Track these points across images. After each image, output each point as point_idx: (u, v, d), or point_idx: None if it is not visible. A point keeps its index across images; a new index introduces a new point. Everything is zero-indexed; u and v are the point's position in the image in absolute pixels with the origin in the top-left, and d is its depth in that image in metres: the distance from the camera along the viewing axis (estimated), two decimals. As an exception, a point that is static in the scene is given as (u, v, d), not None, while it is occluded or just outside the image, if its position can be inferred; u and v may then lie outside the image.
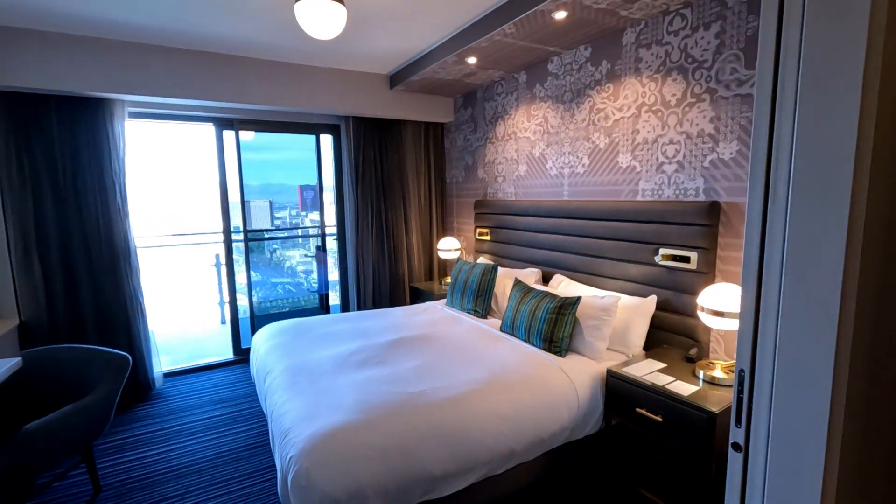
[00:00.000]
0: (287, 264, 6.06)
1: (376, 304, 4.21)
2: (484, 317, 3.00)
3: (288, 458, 1.54)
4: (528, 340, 2.45)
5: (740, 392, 1.04)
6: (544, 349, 2.34)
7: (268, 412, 1.97)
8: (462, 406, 1.80)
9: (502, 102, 3.57)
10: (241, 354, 3.98)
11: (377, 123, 4.05)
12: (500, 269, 3.19)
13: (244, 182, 3.83)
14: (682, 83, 2.27)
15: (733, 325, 1.87)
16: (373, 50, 3.20)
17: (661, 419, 1.86)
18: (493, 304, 3.09)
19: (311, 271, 5.52)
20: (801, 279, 0.89)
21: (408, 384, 1.93)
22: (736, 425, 1.05)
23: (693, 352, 2.16)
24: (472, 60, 3.06)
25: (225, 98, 3.26)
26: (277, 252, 6.07)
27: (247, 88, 3.33)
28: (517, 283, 2.73)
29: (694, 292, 2.21)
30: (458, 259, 3.49)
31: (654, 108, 2.42)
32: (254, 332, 4.00)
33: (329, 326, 2.79)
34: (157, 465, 2.43)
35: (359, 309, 4.16)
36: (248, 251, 3.91)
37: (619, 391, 2.05)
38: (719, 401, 1.77)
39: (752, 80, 1.98)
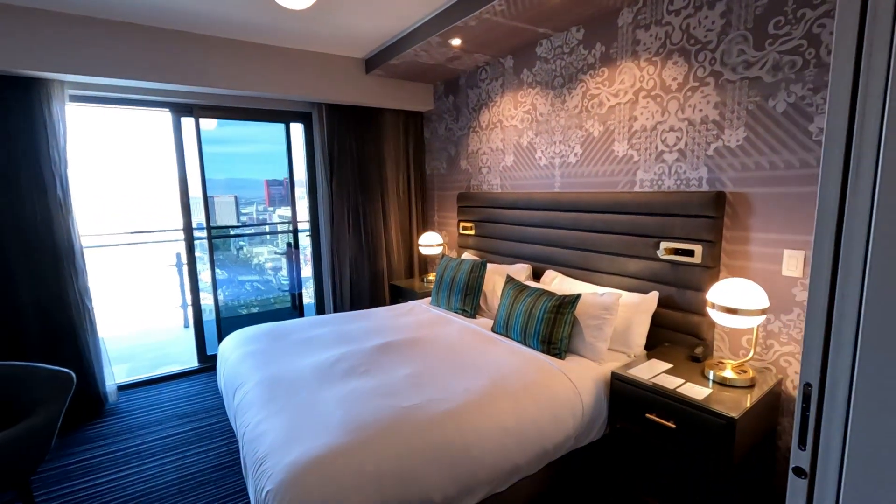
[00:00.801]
0: (255, 261, 5.72)
1: (354, 304, 3.97)
2: (473, 316, 2.83)
3: (264, 492, 1.32)
4: (524, 342, 2.29)
5: (805, 409, 0.90)
6: (542, 351, 2.19)
7: (239, 434, 1.73)
8: (462, 420, 1.62)
9: (487, 89, 3.38)
10: (207, 361, 3.67)
11: (352, 112, 3.80)
12: (488, 265, 3.02)
13: (208, 176, 3.50)
14: (684, 66, 2.14)
15: (747, 322, 1.76)
16: (348, 30, 2.95)
17: (673, 425, 1.73)
18: (482, 303, 2.91)
19: (281, 268, 5.21)
20: (892, 281, 0.75)
21: (400, 396, 1.73)
22: (799, 447, 0.91)
23: (699, 351, 2.05)
24: (456, 42, 2.85)
25: (183, 80, 2.94)
26: (245, 249, 5.72)
27: (208, 70, 3.01)
28: (510, 280, 2.56)
29: (699, 288, 2.10)
30: (442, 255, 3.30)
31: (652, 94, 2.29)
32: (220, 336, 3.70)
33: (307, 331, 2.55)
34: (111, 494, 2.15)
35: (335, 309, 3.91)
36: (212, 249, 3.59)
37: (625, 395, 1.92)
38: (735, 404, 1.65)
39: (761, 61, 1.87)
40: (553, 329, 2.16)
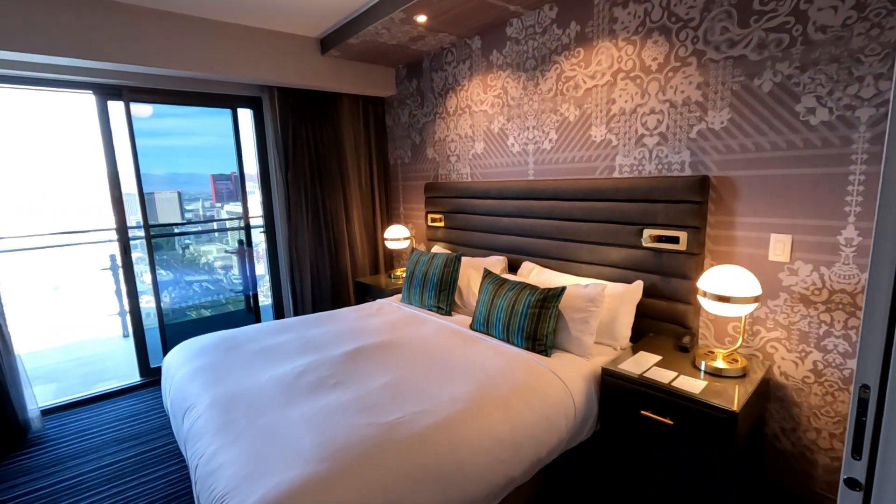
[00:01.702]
0: (203, 260, 5.28)
1: (317, 305, 3.70)
2: (449, 313, 2.66)
3: (227, 542, 1.10)
4: (507, 339, 2.15)
5: (861, 415, 0.80)
6: (527, 349, 2.06)
7: (191, 466, 1.48)
8: (452, 433, 1.45)
9: (453, 72, 3.20)
10: (151, 375, 3.30)
11: (307, 97, 3.50)
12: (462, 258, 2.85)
13: (147, 171, 3.12)
14: (665, 45, 2.05)
15: (739, 311, 1.70)
16: (300, 5, 2.66)
17: (671, 422, 1.65)
18: (457, 299, 2.75)
19: (232, 267, 4.83)
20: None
21: (380, 411, 1.54)
22: (853, 457, 0.81)
23: (686, 340, 1.99)
24: (421, 19, 2.64)
25: (109, 57, 2.55)
26: (192, 248, 5.27)
27: (140, 46, 2.63)
28: (488, 274, 2.41)
29: (684, 275, 2.03)
30: (412, 249, 3.10)
31: (631, 75, 2.19)
32: (164, 345, 3.33)
33: (266, 338, 2.29)
34: (36, 542, 1.83)
35: (296, 311, 3.63)
36: (151, 250, 3.21)
37: (617, 391, 1.82)
38: (732, 396, 1.59)
39: (746, 40, 1.80)
40: (538, 325, 2.04)
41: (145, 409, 2.89)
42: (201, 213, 5.89)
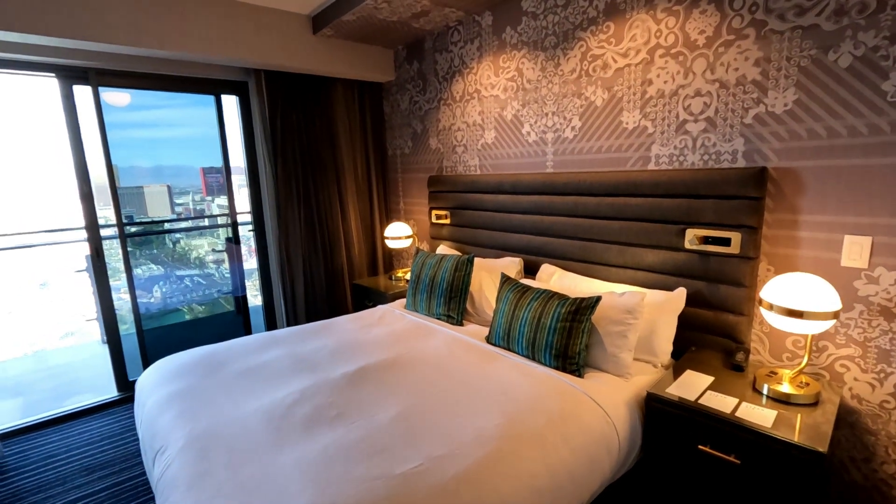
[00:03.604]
0: (194, 255, 4.97)
1: (310, 309, 3.40)
2: (460, 323, 2.38)
3: None
4: (532, 357, 1.88)
5: None
6: (557, 368, 1.79)
7: (160, 529, 1.19)
8: (482, 485, 1.18)
9: (460, 53, 2.89)
10: (129, 389, 3.00)
11: (298, 81, 3.17)
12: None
13: (132, 163, 2.83)
14: (715, 15, 1.77)
15: (814, 328, 1.44)
16: (290, -29, 2.34)
17: (737, 461, 1.39)
18: (468, 307, 2.47)
19: (223, 261, 4.53)
20: None
21: (392, 457, 1.26)
22: None
23: (740, 357, 1.73)
24: (427, -9, 2.34)
25: (72, 34, 2.21)
26: (182, 243, 4.95)
27: (107, 21, 2.29)
28: (507, 280, 2.13)
29: (737, 282, 1.77)
30: (417, 250, 2.82)
31: (672, 52, 1.91)
32: (144, 354, 3.02)
33: (254, 355, 1.99)
34: None
35: (288, 315, 3.33)
36: (126, 250, 2.89)
37: (666, 421, 1.56)
38: (812, 431, 1.33)
39: (820, 6, 1.52)
40: (569, 341, 1.76)
41: (121, 431, 2.59)
42: (191, 206, 5.56)
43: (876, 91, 1.45)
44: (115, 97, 2.99)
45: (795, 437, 1.30)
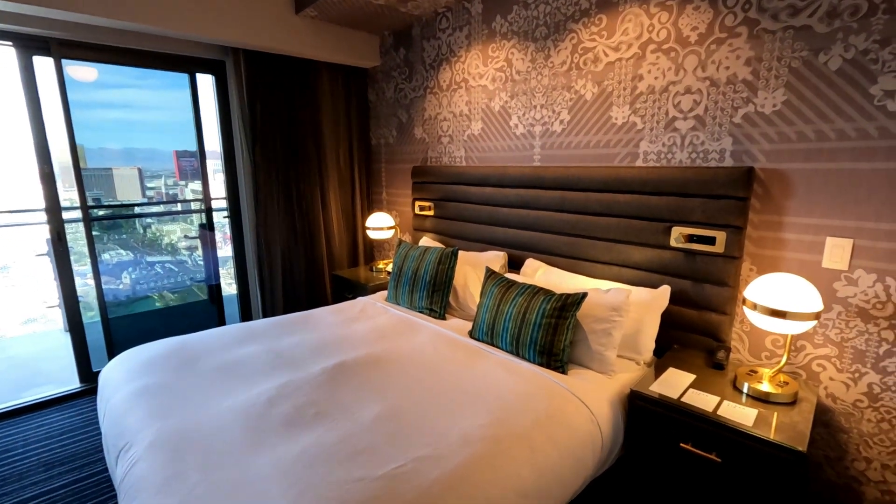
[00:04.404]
0: (166, 241, 4.77)
1: (288, 300, 3.31)
2: (442, 317, 2.34)
3: None
4: (516, 353, 1.86)
5: None
6: (541, 364, 1.77)
7: (124, 535, 1.12)
8: (467, 487, 1.15)
9: (448, 41, 2.82)
10: (93, 380, 2.86)
11: (280, 63, 3.04)
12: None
13: (101, 144, 2.69)
14: (709, 12, 1.75)
15: (797, 328, 1.45)
16: (272, -55, 2.22)
17: (718, 459, 1.40)
18: (451, 300, 2.43)
19: (196, 248, 4.37)
20: None
21: (375, 457, 1.21)
22: None
23: (721, 356, 1.75)
24: (416, -27, 2.25)
25: (26, -1, 2.05)
26: (153, 227, 4.75)
27: (66, -13, 2.14)
28: (491, 274, 2.10)
29: (721, 281, 1.78)
30: (399, 241, 2.75)
31: (664, 47, 1.89)
32: (109, 343, 2.89)
33: (230, 349, 1.91)
34: None
35: (264, 307, 3.23)
36: (90, 234, 2.74)
37: (649, 419, 1.56)
38: (791, 430, 1.35)
39: (812, 6, 1.51)
40: (554, 337, 1.75)
41: (83, 424, 2.47)
42: (163, 191, 5.34)
43: (864, 95, 1.46)
44: (81, 72, 2.81)
45: (775, 437, 1.31)
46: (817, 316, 1.43)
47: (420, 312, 2.39)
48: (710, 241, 1.78)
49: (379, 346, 1.93)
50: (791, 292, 1.45)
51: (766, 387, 1.54)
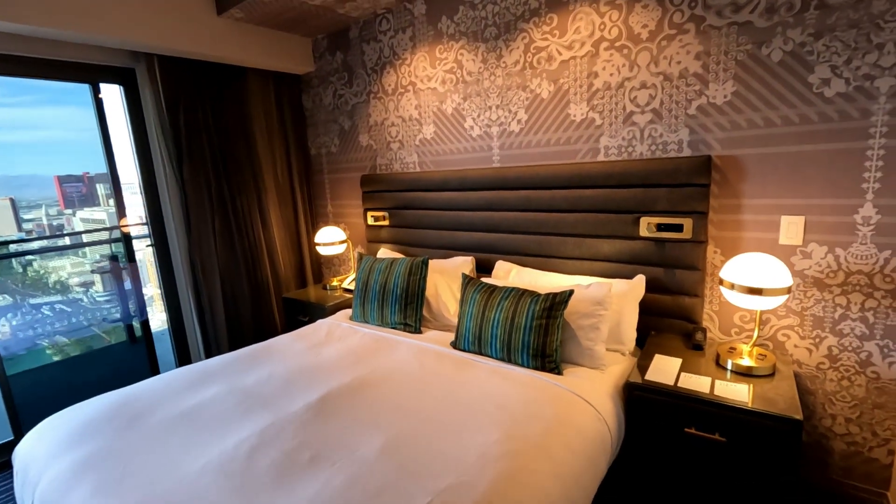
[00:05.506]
0: (53, 278, 4.09)
1: (234, 332, 2.98)
2: (418, 331, 2.22)
3: None
4: (507, 359, 1.80)
5: None
6: (535, 368, 1.72)
7: None
8: (502, 513, 1.05)
9: (390, 44, 2.71)
10: (1, 456, 2.36)
11: (203, 71, 2.74)
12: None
13: None
14: (657, 10, 1.83)
15: (771, 303, 1.55)
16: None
17: (723, 439, 1.44)
18: (425, 313, 2.32)
19: (97, 286, 3.83)
20: None
21: (395, 498, 1.08)
22: None
23: (699, 337, 1.82)
24: (359, -29, 2.13)
25: None
26: (36, 264, 4.04)
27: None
28: (470, 281, 2.03)
29: (690, 265, 1.86)
30: (360, 256, 2.59)
31: (617, 45, 1.95)
32: (13, 410, 2.40)
33: (183, 397, 1.64)
34: None
35: (206, 341, 2.88)
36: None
37: (650, 409, 1.57)
38: (784, 400, 1.42)
39: (752, 3, 1.63)
40: (546, 338, 1.71)
41: (-11, 513, 2.01)
42: (45, 223, 4.60)
43: (804, 83, 1.60)
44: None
45: (773, 409, 1.37)
46: (789, 290, 1.53)
47: (394, 328, 2.25)
48: (678, 228, 1.85)
49: (360, 370, 1.77)
50: (764, 270, 1.54)
51: (747, 362, 1.62)
